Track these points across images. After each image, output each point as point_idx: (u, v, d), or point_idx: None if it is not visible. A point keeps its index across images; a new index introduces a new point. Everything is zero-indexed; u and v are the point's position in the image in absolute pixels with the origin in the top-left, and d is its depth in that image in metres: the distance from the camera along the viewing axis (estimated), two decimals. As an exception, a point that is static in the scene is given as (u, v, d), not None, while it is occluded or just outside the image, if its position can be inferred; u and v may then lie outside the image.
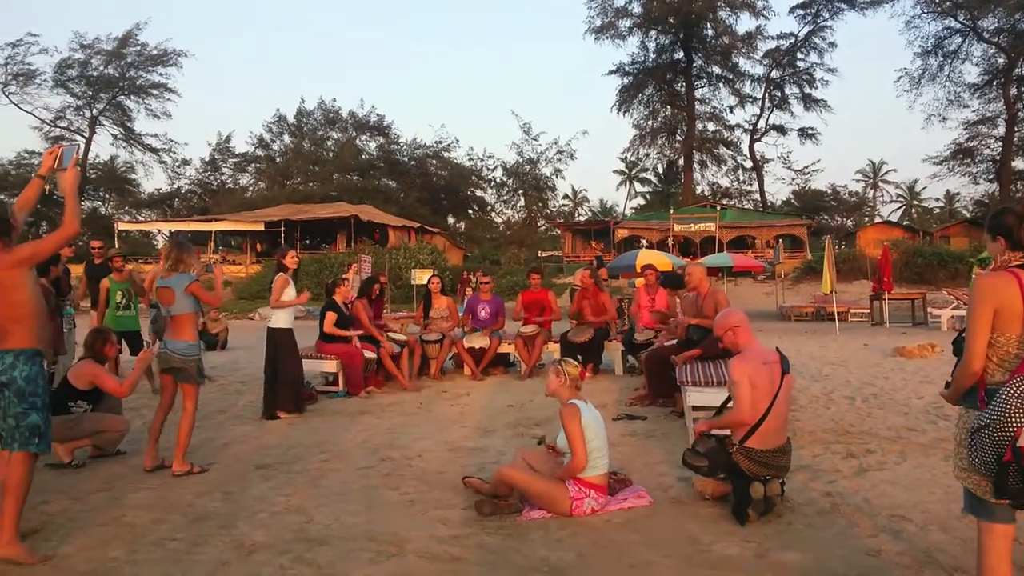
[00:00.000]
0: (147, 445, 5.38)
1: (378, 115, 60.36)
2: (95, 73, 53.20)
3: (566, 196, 67.60)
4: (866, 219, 62.17)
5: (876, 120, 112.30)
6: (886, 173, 69.48)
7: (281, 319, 7.43)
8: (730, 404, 4.27)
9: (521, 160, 55.95)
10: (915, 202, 71.05)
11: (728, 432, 4.30)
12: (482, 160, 60.14)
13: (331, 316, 8.56)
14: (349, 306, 9.03)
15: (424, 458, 5.60)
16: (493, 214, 62.19)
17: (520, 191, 58.27)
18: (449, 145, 59.56)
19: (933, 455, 5.33)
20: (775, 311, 24.65)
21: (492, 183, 60.45)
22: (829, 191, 63.11)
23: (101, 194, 59.45)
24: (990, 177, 49.79)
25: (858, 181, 70.07)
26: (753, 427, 4.08)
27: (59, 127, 54.78)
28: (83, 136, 55.13)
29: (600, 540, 3.79)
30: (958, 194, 64.83)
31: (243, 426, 6.96)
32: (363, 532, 3.94)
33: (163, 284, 5.37)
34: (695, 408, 6.15)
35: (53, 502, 4.52)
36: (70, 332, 7.42)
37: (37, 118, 53.50)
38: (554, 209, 62.62)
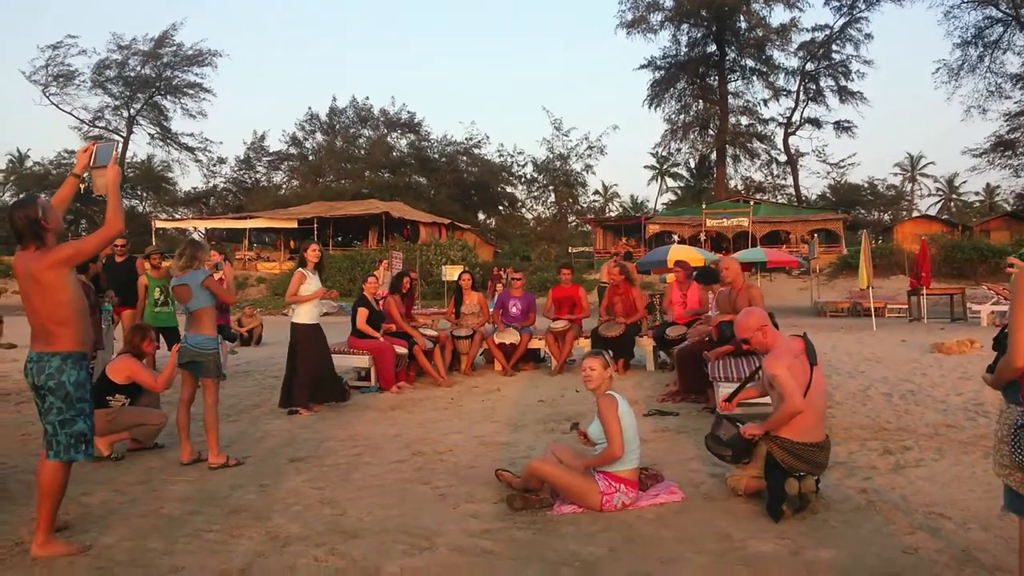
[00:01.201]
0: (180, 440, 5.48)
1: (409, 112, 60.84)
2: (132, 73, 54.31)
3: (596, 192, 67.47)
4: (904, 213, 61.02)
5: (914, 112, 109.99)
6: (924, 166, 68.24)
7: (302, 314, 7.47)
8: (749, 384, 4.24)
9: (551, 156, 56.05)
10: (954, 196, 69.60)
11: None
12: (512, 156, 60.32)
13: (362, 312, 8.62)
14: (379, 302, 9.09)
15: (455, 452, 5.63)
16: (523, 210, 62.33)
17: (550, 187, 58.29)
18: (480, 142, 59.83)
19: (972, 452, 5.23)
20: (810, 307, 24.34)
21: (522, 179, 60.60)
22: (866, 185, 62.07)
23: (139, 192, 60.63)
24: (1032, 169, 48.60)
25: (896, 175, 68.93)
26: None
27: (97, 127, 55.94)
28: (121, 135, 56.27)
29: (631, 535, 3.78)
30: (998, 187, 63.27)
31: (277, 420, 7.05)
32: (396, 525, 3.97)
33: (179, 282, 5.45)
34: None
35: (93, 494, 4.62)
36: (108, 328, 7.57)
37: (76, 118, 54.74)
38: (584, 205, 62.56)
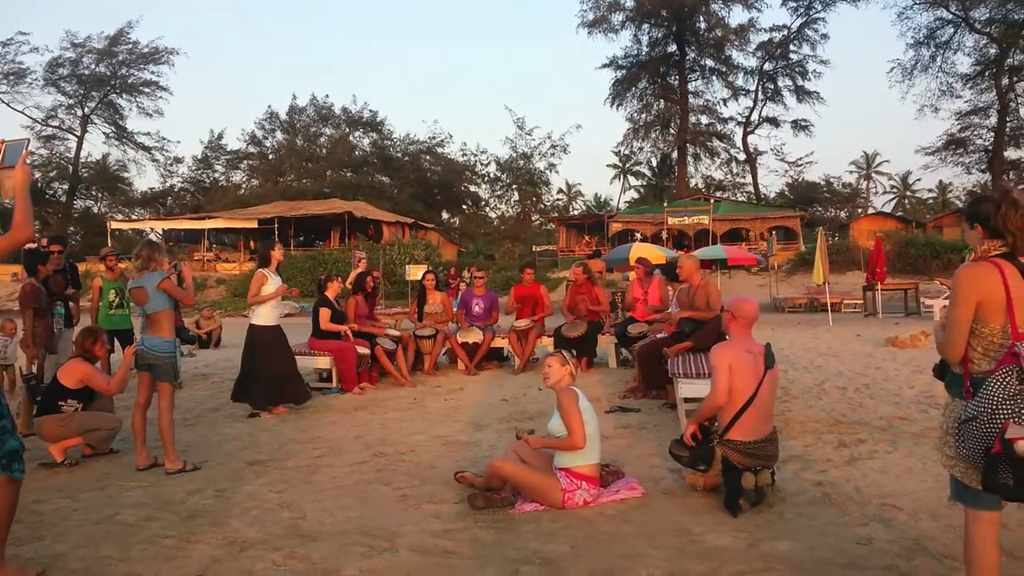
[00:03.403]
0: (136, 445, 5.37)
1: (371, 111, 60.46)
2: (86, 72, 53.10)
3: (560, 190, 67.72)
4: (859, 210, 62.30)
5: (869, 111, 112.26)
6: (879, 164, 69.67)
7: (262, 316, 7.38)
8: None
9: (515, 155, 56.13)
10: (908, 193, 71.16)
11: (715, 424, 4.35)
12: (476, 155, 60.28)
13: (325, 312, 8.54)
14: (341, 303, 9.02)
15: (417, 453, 5.61)
16: (487, 209, 62.32)
17: (514, 186, 58.37)
18: (442, 140, 59.66)
19: (924, 444, 5.36)
20: (769, 303, 24.71)
21: (486, 178, 60.59)
22: (823, 183, 63.27)
23: (94, 193, 59.34)
24: (982, 167, 49.91)
25: (851, 172, 70.37)
26: (734, 417, 4.13)
27: (51, 126, 54.60)
28: (75, 135, 54.99)
29: (593, 532, 3.80)
30: (951, 184, 65.07)
31: (236, 423, 6.96)
32: (356, 527, 3.94)
33: (135, 284, 5.35)
34: (687, 400, 6.18)
35: (47, 501, 4.52)
36: (60, 331, 7.39)
37: (28, 117, 53.31)
38: (548, 203, 62.77)
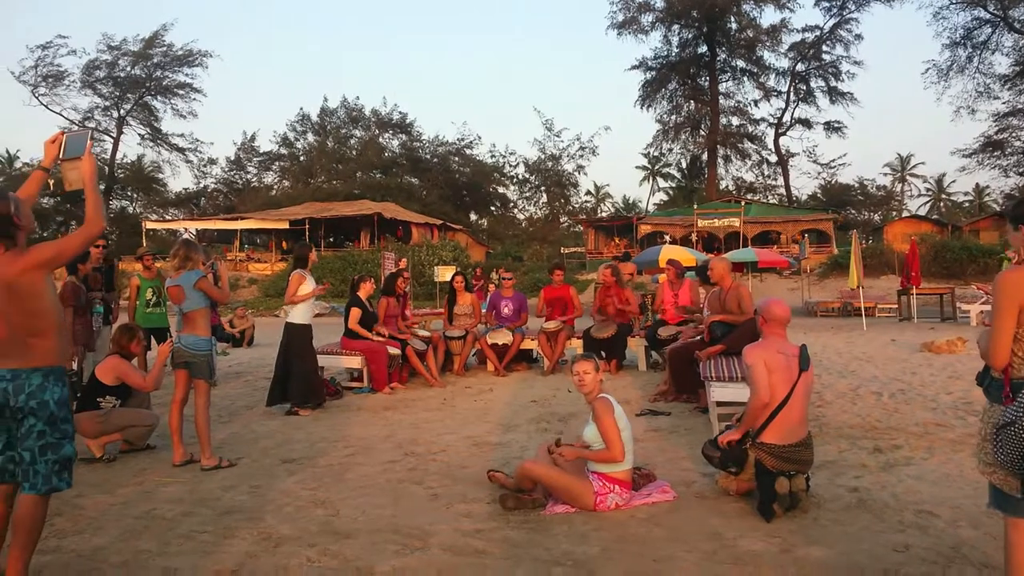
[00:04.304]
0: (172, 441, 5.47)
1: (400, 113, 60.78)
2: (122, 74, 53.99)
3: (588, 192, 67.51)
4: (893, 213, 61.32)
5: (904, 113, 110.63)
6: (914, 167, 68.62)
7: (298, 315, 7.50)
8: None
9: (543, 156, 56.07)
10: (943, 196, 70.00)
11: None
12: (504, 157, 60.35)
13: (355, 312, 8.62)
14: (372, 303, 9.09)
15: (448, 453, 5.63)
16: (515, 211, 62.32)
17: (542, 187, 58.31)
18: (471, 142, 59.81)
19: (962, 451, 5.27)
20: (800, 307, 24.43)
21: (514, 180, 60.60)
22: (856, 185, 62.38)
23: (129, 193, 60.33)
24: (1020, 170, 48.82)
25: (886, 175, 69.38)
26: (768, 420, 4.08)
27: (87, 128, 55.51)
28: (111, 136, 55.96)
29: (624, 535, 3.79)
30: (987, 187, 63.65)
31: (270, 421, 7.05)
32: (388, 525, 3.97)
33: (173, 283, 5.44)
34: (719, 403, 6.13)
35: (86, 496, 4.60)
36: (99, 330, 7.54)
37: (66, 119, 54.30)
38: (576, 205, 62.61)
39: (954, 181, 68.05)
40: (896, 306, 20.94)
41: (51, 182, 3.64)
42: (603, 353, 9.06)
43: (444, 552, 3.60)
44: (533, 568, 3.39)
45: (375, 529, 3.92)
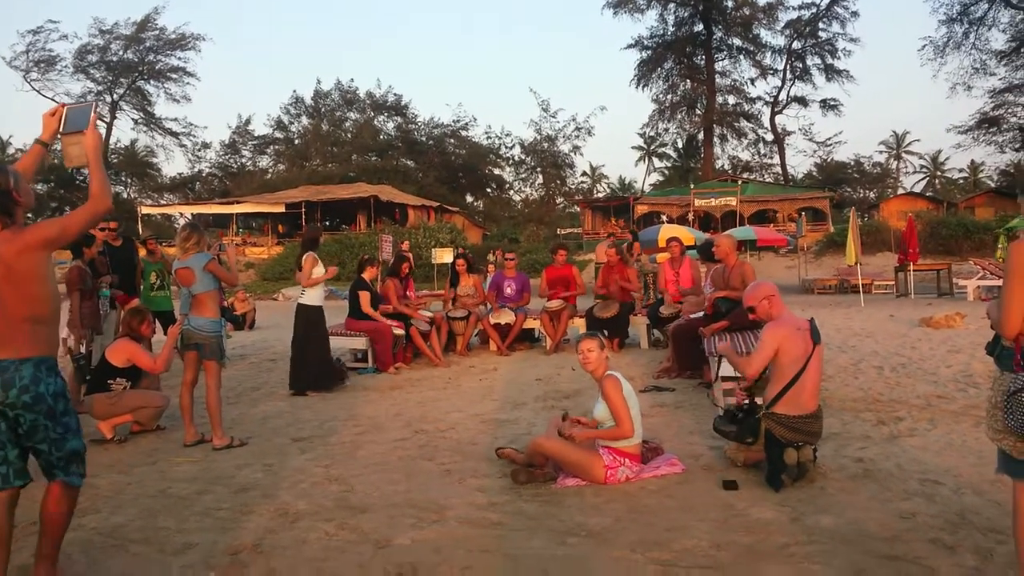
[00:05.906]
0: (184, 422, 5.52)
1: (395, 95, 60.32)
2: (114, 58, 53.56)
3: (584, 173, 67.38)
4: (889, 191, 61.30)
5: (899, 90, 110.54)
6: (910, 144, 68.43)
7: (312, 296, 7.54)
8: (767, 374, 4.32)
9: (539, 137, 55.71)
10: (939, 173, 69.90)
11: (759, 399, 4.37)
12: (500, 138, 59.97)
13: (365, 295, 8.66)
14: (376, 284, 9.13)
15: (457, 430, 5.70)
16: (512, 192, 62.10)
17: (538, 169, 58.07)
18: (467, 124, 59.39)
19: (964, 422, 5.35)
20: (797, 284, 24.51)
21: (510, 161, 60.31)
22: (852, 163, 62.31)
23: (123, 178, 60.03)
24: (1016, 146, 48.70)
25: (881, 152, 69.08)
26: (781, 391, 4.14)
27: (91, 100, 55.07)
28: (104, 121, 55.55)
29: (635, 505, 3.86)
30: (983, 164, 63.56)
31: (277, 402, 7.10)
32: (403, 500, 4.04)
33: (181, 265, 5.48)
34: (725, 379, 6.18)
35: (100, 476, 4.65)
36: (107, 313, 7.57)
37: (58, 104, 53.92)
38: (573, 186, 62.39)
39: (948, 158, 67.87)
40: (893, 283, 21.03)
41: (50, 159, 3.38)
42: (606, 332, 9.11)
43: (461, 524, 3.66)
44: (549, 538, 3.46)
45: (391, 504, 3.98)
